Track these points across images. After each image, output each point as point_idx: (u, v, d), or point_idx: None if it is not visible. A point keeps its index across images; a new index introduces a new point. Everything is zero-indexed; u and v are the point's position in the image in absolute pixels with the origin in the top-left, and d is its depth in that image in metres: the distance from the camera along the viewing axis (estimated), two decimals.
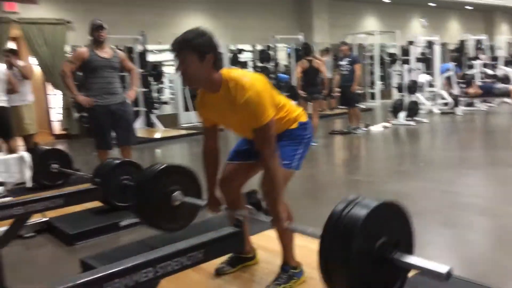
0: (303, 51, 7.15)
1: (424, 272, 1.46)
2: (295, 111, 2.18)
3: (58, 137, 9.74)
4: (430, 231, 3.18)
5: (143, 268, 1.19)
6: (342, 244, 1.44)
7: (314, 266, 2.30)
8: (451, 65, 10.65)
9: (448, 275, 1.34)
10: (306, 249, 2.51)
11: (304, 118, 2.20)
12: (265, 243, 2.63)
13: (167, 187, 2.41)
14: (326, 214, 3.72)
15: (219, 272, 2.32)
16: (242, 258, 2.38)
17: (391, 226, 1.52)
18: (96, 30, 4.10)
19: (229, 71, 1.97)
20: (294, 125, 2.16)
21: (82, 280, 1.10)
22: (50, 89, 9.74)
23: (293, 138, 2.14)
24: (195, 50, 1.85)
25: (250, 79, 1.92)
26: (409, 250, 1.58)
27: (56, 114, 9.91)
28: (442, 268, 1.35)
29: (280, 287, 2.08)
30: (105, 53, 4.15)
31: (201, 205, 2.37)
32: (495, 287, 2.13)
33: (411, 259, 1.48)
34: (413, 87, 8.88)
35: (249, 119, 1.91)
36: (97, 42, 4.13)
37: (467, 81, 10.02)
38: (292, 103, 2.25)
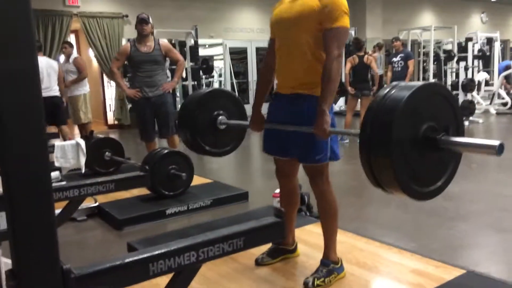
0: (354, 46, 7.03)
1: (476, 148, 1.39)
2: None
3: (111, 127, 10.15)
4: (478, 234, 3.07)
5: (186, 251, 1.25)
6: (382, 131, 1.35)
7: (355, 263, 2.32)
8: (511, 62, 10.12)
9: (501, 147, 1.28)
10: (348, 245, 2.51)
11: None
12: (306, 237, 2.65)
13: (212, 111, 2.39)
14: (371, 212, 3.67)
15: (259, 263, 2.35)
16: (283, 250, 2.40)
17: (438, 111, 1.43)
18: (139, 23, 4.19)
19: None
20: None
21: (129, 259, 1.17)
22: (106, 80, 10.15)
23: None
24: None
25: None
26: (459, 134, 1.48)
27: (110, 104, 10.33)
28: (494, 142, 1.30)
29: (319, 281, 2.08)
30: (147, 47, 4.22)
31: (247, 125, 2.36)
32: None
33: (461, 139, 1.41)
34: (469, 85, 8.52)
35: (323, 19, 1.91)
36: (140, 35, 4.23)
37: None
38: None
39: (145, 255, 1.19)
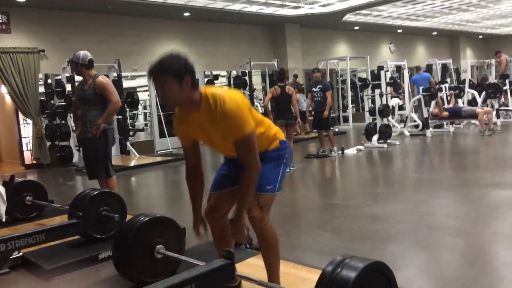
0: (277, 77, 7.26)
1: None
2: (273, 127, 2.24)
3: (28, 167, 9.52)
4: (408, 253, 3.25)
5: None
6: None
7: None
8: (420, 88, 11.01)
9: None
10: (291, 276, 2.54)
11: (282, 137, 2.26)
12: (249, 271, 2.63)
13: (148, 241, 2.38)
14: (307, 241, 3.74)
15: None
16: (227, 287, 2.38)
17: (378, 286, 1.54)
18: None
19: (206, 88, 2.03)
20: (275, 144, 2.20)
21: None
22: (22, 118, 9.56)
23: (275, 159, 2.19)
24: (173, 75, 1.90)
25: (229, 93, 1.99)
26: None
27: (27, 143, 9.70)
28: None
29: None
30: (87, 84, 4.18)
31: (181, 260, 2.39)
32: None
33: None
34: (385, 111, 9.13)
35: (231, 132, 1.96)
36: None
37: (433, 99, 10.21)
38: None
39: None
